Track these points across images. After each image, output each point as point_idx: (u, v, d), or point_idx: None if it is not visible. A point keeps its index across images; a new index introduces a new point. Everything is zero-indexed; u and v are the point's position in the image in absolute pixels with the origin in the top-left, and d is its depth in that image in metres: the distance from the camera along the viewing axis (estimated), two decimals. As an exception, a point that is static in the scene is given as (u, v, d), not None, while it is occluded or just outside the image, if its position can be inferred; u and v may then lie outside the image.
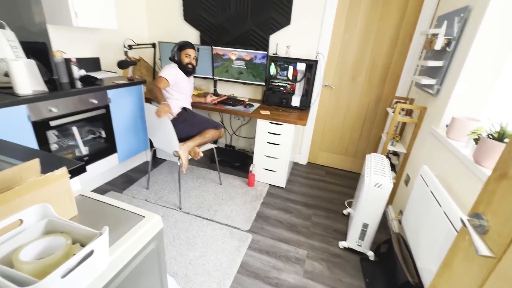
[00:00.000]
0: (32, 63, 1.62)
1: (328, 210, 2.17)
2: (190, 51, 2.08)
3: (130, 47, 2.26)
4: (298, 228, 1.93)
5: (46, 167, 0.72)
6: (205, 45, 2.57)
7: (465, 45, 1.42)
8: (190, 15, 2.72)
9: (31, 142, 1.59)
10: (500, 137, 1.02)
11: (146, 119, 2.10)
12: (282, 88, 2.52)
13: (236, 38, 2.66)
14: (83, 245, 0.54)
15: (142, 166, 2.58)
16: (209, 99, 2.46)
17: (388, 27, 2.27)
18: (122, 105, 2.18)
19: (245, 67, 2.57)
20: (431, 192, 1.27)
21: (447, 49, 1.58)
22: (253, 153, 2.46)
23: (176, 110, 2.07)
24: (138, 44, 2.36)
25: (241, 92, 2.88)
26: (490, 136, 1.05)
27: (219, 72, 2.68)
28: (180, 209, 2.00)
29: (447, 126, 1.49)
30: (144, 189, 2.20)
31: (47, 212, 0.58)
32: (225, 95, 2.66)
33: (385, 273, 1.56)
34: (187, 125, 2.07)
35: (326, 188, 2.50)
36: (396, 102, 2.17)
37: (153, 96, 1.88)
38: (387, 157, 2.19)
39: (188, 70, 2.10)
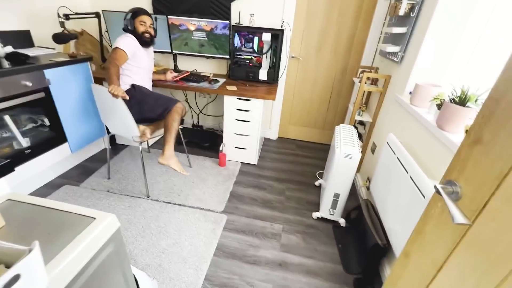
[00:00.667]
0: None
1: (300, 183, 2.21)
2: (145, 18, 1.82)
3: (66, 17, 1.91)
4: (273, 204, 1.94)
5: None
6: (159, 14, 2.28)
7: (428, 10, 1.41)
8: (138, -21, 2.36)
9: (-51, 137, 1.31)
10: (461, 101, 1.04)
11: (96, 103, 1.85)
12: (248, 61, 2.38)
13: (194, 6, 2.40)
14: (8, 267, 0.43)
15: (101, 155, 2.35)
16: (170, 75, 2.23)
17: (353, -7, 2.20)
18: (65, 86, 1.89)
19: (206, 38, 2.36)
20: (398, 159, 1.31)
21: (411, 14, 1.56)
22: (222, 131, 2.36)
23: (124, 87, 1.85)
24: (76, 14, 2.01)
25: (204, 67, 2.68)
26: (452, 101, 1.08)
27: (178, 45, 2.43)
28: (148, 197, 1.88)
29: (410, 93, 1.53)
30: (105, 180, 2.01)
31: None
32: (187, 71, 2.44)
33: (356, 237, 1.64)
34: (135, 104, 1.82)
35: (297, 162, 2.52)
36: (362, 72, 2.18)
37: (108, 76, 1.62)
38: (354, 127, 2.24)
39: (144, 40, 1.84)
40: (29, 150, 1.73)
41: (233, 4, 2.35)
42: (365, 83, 1.95)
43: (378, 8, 2.19)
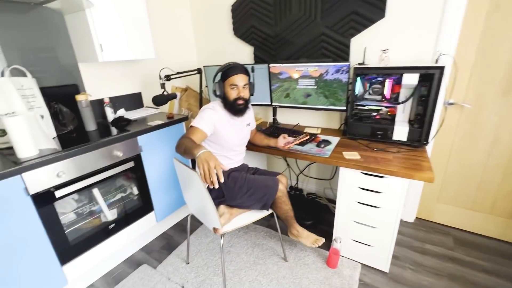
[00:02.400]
0: (37, 116, 1.25)
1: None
2: (237, 79, 1.39)
3: (167, 77, 1.80)
4: None
5: None
6: (260, 64, 1.95)
7: None
8: (241, 29, 2.16)
9: (33, 220, 1.19)
10: None
11: (178, 176, 1.47)
12: (374, 114, 1.66)
13: (301, 49, 1.95)
14: None
15: (184, 222, 2.06)
16: (282, 141, 1.58)
17: None
18: (156, 151, 1.71)
19: (314, 86, 1.82)
20: None
21: None
22: (329, 200, 1.65)
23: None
24: (179, 73, 1.90)
25: (309, 119, 2.12)
26: None
27: (277, 97, 2.00)
28: (227, 308, 1.34)
29: None
30: (183, 264, 1.64)
31: None
32: (305, 134, 1.67)
33: None
34: (221, 190, 1.41)
35: (463, 277, 1.47)
36: None
37: (182, 150, 1.22)
38: None
39: (238, 109, 1.44)
40: (113, 225, 1.55)
41: (353, 40, 1.75)
42: None
43: None
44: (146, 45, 1.81)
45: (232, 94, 1.40)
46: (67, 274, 1.35)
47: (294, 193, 2.30)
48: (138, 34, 1.74)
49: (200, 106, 2.17)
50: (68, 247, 1.34)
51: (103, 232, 1.51)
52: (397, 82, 1.54)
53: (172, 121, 1.78)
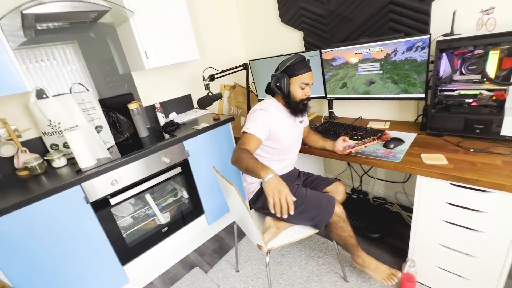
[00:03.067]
0: (91, 128, 1.34)
1: None
2: (309, 77, 1.19)
3: (211, 77, 1.73)
4: None
5: None
6: (311, 50, 1.69)
7: None
8: (288, 13, 1.92)
9: (94, 226, 1.28)
10: None
11: (218, 182, 1.30)
12: (469, 100, 1.22)
13: (361, 27, 1.60)
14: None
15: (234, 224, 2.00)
16: (340, 144, 1.32)
17: None
18: (203, 156, 1.67)
19: (379, 71, 1.47)
20: None
21: None
22: (402, 208, 1.34)
23: (252, 186, 1.33)
24: (223, 71, 1.81)
25: (374, 110, 1.76)
26: None
27: (332, 88, 1.71)
28: (276, 332, 1.21)
29: None
30: (233, 272, 1.58)
31: None
32: (372, 138, 1.32)
33: None
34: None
35: None
36: None
37: (243, 167, 1.02)
38: None
39: (301, 109, 1.24)
40: (166, 228, 1.59)
41: (435, 4, 1.32)
42: None
43: None
44: (190, 47, 1.77)
45: (300, 94, 1.20)
46: (128, 273, 1.45)
47: (358, 197, 1.99)
48: (181, 37, 1.71)
49: (248, 103, 2.04)
50: (127, 249, 1.43)
51: (158, 234, 1.57)
52: (509, 54, 1.08)
53: (219, 122, 1.72)
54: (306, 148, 1.50)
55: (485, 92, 1.18)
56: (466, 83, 1.22)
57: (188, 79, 2.12)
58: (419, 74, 1.34)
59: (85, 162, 1.28)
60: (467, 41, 1.12)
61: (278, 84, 1.19)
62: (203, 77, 1.72)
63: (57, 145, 1.43)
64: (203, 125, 1.68)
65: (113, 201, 1.32)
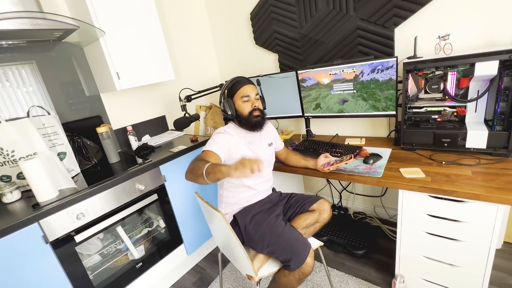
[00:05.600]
0: (53, 155, 1.19)
1: None
2: (248, 89, 1.21)
3: (188, 98, 1.68)
4: None
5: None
6: (286, 71, 1.73)
7: None
8: (263, 36, 1.98)
9: (54, 269, 1.10)
10: None
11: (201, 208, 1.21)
12: (435, 116, 1.33)
13: (333, 49, 1.70)
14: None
15: (216, 252, 1.88)
16: (322, 161, 1.32)
17: None
18: (181, 180, 1.57)
19: (352, 90, 1.55)
20: None
21: None
22: (381, 221, 1.34)
23: (232, 211, 1.26)
24: (200, 92, 1.77)
25: (349, 128, 1.83)
26: None
27: (306, 108, 1.76)
28: None
29: None
30: (217, 306, 1.45)
31: None
32: (350, 156, 1.28)
33: None
34: (242, 232, 1.18)
35: None
36: None
37: (201, 171, 0.95)
38: None
39: (256, 122, 1.21)
40: (140, 264, 1.42)
41: (398, 30, 1.45)
42: None
43: None
44: (165, 67, 1.72)
45: (246, 107, 1.21)
46: (95, 322, 1.25)
47: (339, 213, 2.00)
48: (155, 57, 1.65)
49: (225, 123, 2.01)
50: (94, 293, 1.24)
51: (132, 271, 1.39)
52: (464, 75, 1.21)
53: (196, 144, 1.64)
54: (288, 168, 1.49)
55: (447, 109, 1.29)
56: (430, 100, 1.33)
57: (162, 100, 2.04)
58: (382, 91, 1.46)
59: (45, 194, 1.11)
60: (430, 63, 1.23)
61: (224, 109, 1.23)
62: (180, 98, 1.67)
63: (9, 177, 1.24)
64: (180, 147, 1.60)
65: (78, 238, 1.15)
